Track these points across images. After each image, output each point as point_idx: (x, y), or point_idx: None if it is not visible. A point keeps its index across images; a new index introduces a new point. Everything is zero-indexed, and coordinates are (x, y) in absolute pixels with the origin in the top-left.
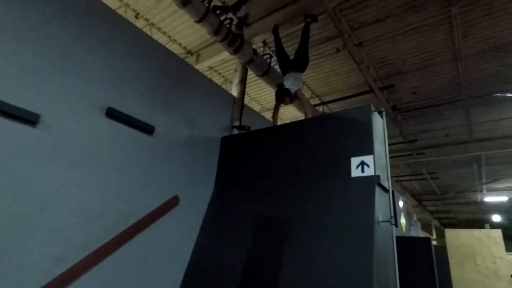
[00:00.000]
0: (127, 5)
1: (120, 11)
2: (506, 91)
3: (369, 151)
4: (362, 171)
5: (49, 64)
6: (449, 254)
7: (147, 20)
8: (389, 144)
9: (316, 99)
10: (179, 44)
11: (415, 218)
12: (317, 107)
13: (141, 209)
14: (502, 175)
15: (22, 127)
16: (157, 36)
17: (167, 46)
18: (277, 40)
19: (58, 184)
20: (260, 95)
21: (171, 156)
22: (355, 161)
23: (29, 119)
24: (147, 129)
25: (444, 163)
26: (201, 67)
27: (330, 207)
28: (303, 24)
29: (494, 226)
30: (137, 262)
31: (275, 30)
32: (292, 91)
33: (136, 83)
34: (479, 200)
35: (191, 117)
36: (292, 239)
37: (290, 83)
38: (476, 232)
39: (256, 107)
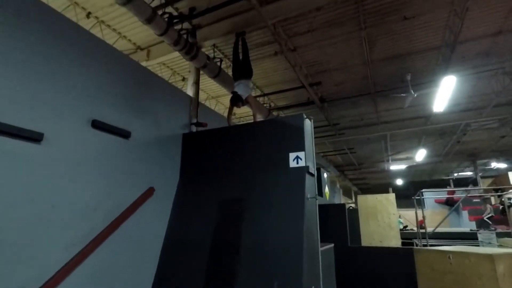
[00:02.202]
0: (76, 3)
1: (70, 9)
2: (401, 88)
3: (302, 148)
4: (297, 163)
5: (45, 87)
6: (359, 214)
7: (97, 18)
8: (316, 127)
9: (258, 90)
10: (129, 40)
11: (338, 186)
12: (259, 98)
13: (125, 201)
14: (402, 148)
15: (30, 145)
16: (106, 32)
17: (116, 42)
18: (236, 47)
19: (62, 187)
20: (206, 85)
21: (145, 154)
22: (292, 155)
23: (35, 138)
24: (125, 134)
25: (360, 141)
26: (152, 63)
27: (273, 190)
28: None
29: (397, 188)
30: (127, 243)
31: (236, 37)
32: (244, 97)
33: (113, 95)
34: (386, 168)
35: (158, 119)
36: (245, 214)
37: (242, 90)
38: (378, 196)
39: (202, 96)
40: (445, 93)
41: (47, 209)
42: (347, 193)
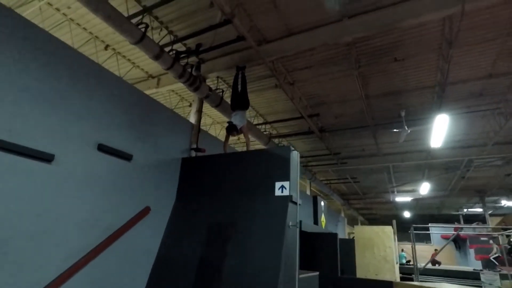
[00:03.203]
0: (96, 37)
1: (91, 42)
2: (399, 122)
3: (287, 178)
4: (282, 192)
5: (57, 113)
6: (355, 245)
7: (114, 49)
8: (317, 155)
9: (261, 118)
10: (142, 69)
11: (342, 214)
12: (261, 126)
13: (123, 218)
14: (406, 180)
15: (42, 165)
16: (122, 62)
17: (131, 70)
18: (236, 79)
19: (66, 203)
20: (212, 111)
21: (144, 175)
22: (278, 184)
23: (47, 158)
24: (127, 157)
25: (363, 170)
26: (162, 90)
27: (258, 216)
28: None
29: (404, 220)
30: (122, 256)
31: (237, 70)
32: (238, 127)
33: (118, 121)
34: (391, 200)
35: (158, 144)
36: (232, 237)
37: (237, 120)
38: (375, 228)
39: (208, 121)
40: (440, 130)
41: (51, 222)
42: (353, 222)
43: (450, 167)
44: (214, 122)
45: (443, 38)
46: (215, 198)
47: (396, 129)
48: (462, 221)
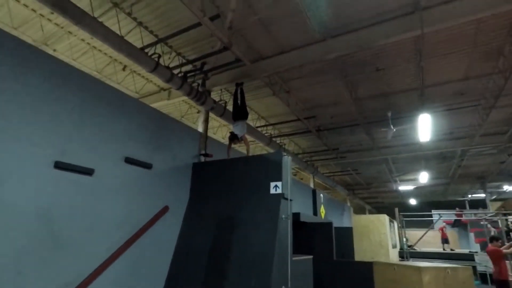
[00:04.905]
0: (115, 60)
1: (111, 63)
2: (388, 120)
3: (279, 179)
4: (276, 190)
5: (95, 136)
6: (353, 232)
7: (131, 69)
8: (319, 151)
9: (263, 120)
10: (154, 83)
11: (348, 204)
12: (264, 127)
13: (147, 216)
14: (407, 170)
15: (85, 177)
16: (137, 78)
17: (145, 86)
18: (236, 94)
19: (103, 206)
20: None
21: (162, 180)
22: (272, 184)
23: (89, 172)
24: (148, 166)
25: (363, 163)
26: (173, 101)
27: (257, 210)
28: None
29: (410, 208)
30: (147, 247)
31: (236, 86)
32: (239, 136)
33: (140, 138)
34: (394, 188)
35: (173, 152)
36: (235, 228)
37: (238, 130)
38: (371, 217)
39: (215, 124)
40: (424, 127)
41: (94, 221)
42: (361, 211)
43: (446, 157)
44: (221, 125)
45: (416, 50)
46: (221, 196)
47: (385, 127)
48: (467, 207)
